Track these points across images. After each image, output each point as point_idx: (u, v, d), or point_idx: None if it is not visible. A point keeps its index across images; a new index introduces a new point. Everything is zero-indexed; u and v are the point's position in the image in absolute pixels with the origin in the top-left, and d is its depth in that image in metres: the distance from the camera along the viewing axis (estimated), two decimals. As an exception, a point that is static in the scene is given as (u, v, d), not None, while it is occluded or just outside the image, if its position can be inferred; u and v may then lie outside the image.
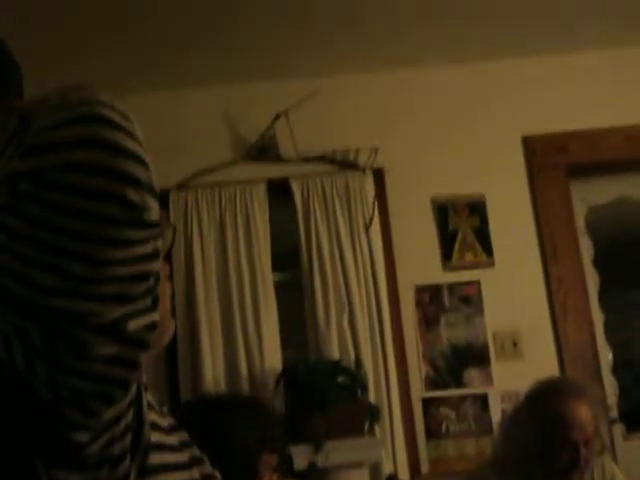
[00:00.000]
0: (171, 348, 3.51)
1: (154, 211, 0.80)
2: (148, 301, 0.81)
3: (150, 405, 0.96)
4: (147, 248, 0.80)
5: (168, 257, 1.06)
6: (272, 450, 2.11)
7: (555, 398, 2.53)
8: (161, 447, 0.95)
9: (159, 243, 0.83)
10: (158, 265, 0.83)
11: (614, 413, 3.88)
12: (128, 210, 0.77)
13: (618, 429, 3.87)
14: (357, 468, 3.31)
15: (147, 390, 0.94)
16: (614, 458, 3.61)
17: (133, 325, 0.78)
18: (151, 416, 0.93)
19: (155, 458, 0.90)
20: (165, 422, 1.02)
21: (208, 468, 1.08)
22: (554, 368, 3.67)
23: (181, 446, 1.03)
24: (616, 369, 4.10)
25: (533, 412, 2.56)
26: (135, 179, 0.77)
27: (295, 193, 3.73)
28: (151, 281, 0.81)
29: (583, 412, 2.50)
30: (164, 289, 1.01)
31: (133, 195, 0.77)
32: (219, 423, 2.05)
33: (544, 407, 2.54)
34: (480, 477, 2.71)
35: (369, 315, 3.62)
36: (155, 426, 0.95)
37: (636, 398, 4.52)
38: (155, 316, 0.82)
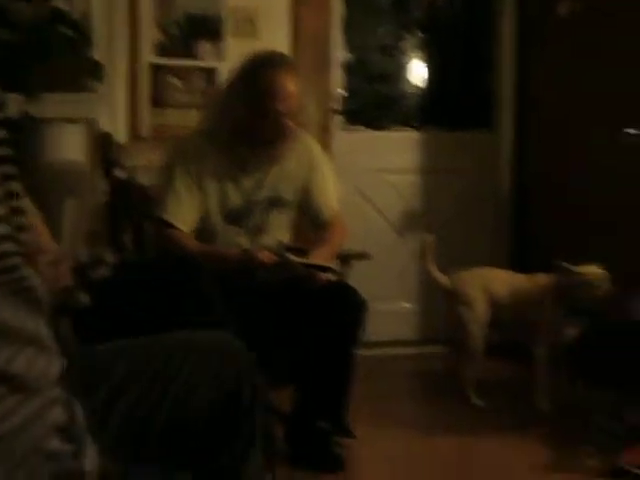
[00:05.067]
0: None
1: None
2: None
3: None
4: None
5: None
6: None
7: (267, 69, 2.55)
8: None
9: None
10: None
11: (337, 105, 4.01)
12: None
13: (338, 120, 4.02)
14: (72, 123, 3.23)
15: None
16: (330, 144, 3.79)
17: None
18: None
19: None
20: None
21: None
22: (286, 51, 3.66)
23: None
24: (349, 67, 4.19)
25: (245, 82, 2.58)
26: None
27: None
28: None
29: (290, 85, 2.55)
30: None
31: None
32: None
33: (255, 77, 2.56)
34: (190, 142, 2.72)
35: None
36: None
37: (362, 98, 4.66)
38: None
